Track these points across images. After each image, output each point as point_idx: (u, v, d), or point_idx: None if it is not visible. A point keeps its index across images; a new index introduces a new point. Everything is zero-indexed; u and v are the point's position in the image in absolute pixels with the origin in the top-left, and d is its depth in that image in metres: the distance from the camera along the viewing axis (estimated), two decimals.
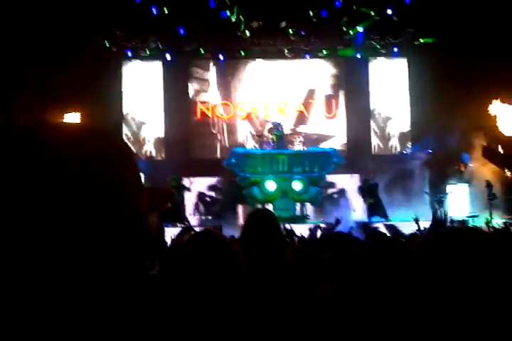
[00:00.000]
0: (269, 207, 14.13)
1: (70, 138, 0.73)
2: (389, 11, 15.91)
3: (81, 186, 0.70)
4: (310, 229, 7.48)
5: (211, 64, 17.24)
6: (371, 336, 2.42)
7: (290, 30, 16.35)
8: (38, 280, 0.67)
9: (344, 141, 17.24)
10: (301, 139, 16.01)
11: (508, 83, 14.00)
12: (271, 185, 13.98)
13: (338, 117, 17.36)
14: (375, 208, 14.04)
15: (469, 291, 1.09)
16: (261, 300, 2.38)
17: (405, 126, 17.40)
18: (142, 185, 0.79)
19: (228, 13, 15.74)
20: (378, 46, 17.10)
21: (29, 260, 0.67)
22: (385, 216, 13.90)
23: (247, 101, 17.11)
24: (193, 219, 14.98)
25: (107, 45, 15.77)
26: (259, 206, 14.05)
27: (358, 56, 17.14)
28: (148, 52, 16.66)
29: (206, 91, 17.18)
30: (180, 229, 9.19)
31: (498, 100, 14.63)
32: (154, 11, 15.52)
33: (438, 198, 14.41)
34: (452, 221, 12.11)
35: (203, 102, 17.11)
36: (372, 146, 17.29)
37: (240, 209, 15.31)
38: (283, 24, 16.28)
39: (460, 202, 14.80)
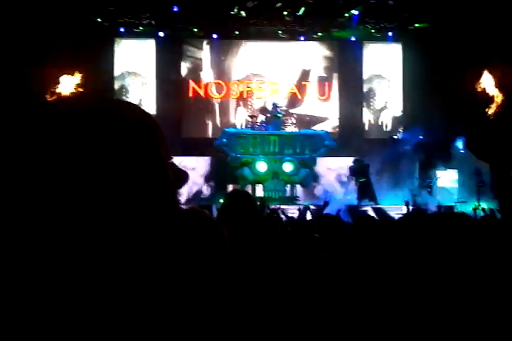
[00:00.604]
0: (260, 187, 14.21)
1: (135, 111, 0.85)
2: None
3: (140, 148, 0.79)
4: (299, 210, 7.55)
5: (205, 43, 17.11)
6: (355, 312, 2.47)
7: (285, 12, 16.23)
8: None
9: (336, 124, 17.27)
10: (293, 121, 16.03)
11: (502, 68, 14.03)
12: (262, 166, 14.02)
13: (330, 100, 17.36)
14: (365, 191, 14.10)
15: (450, 272, 1.12)
16: (245, 277, 2.43)
17: (398, 110, 17.44)
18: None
19: None
20: (373, 30, 17.03)
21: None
22: (374, 199, 13.98)
23: (240, 81, 17.04)
24: (182, 199, 15.02)
25: (99, 20, 15.59)
26: (250, 186, 14.11)
27: (353, 39, 17.08)
28: (141, 29, 16.48)
29: (199, 70, 17.08)
30: None
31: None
32: None
33: (426, 183, 14.53)
34: (440, 206, 12.21)
35: (195, 81, 17.02)
36: (364, 130, 17.34)
37: (230, 189, 15.35)
38: (278, 4, 16.14)
39: (448, 188, 14.92)
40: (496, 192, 13.34)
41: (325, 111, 17.26)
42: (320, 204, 8.11)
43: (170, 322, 0.74)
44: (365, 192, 14.10)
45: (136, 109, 0.86)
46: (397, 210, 11.41)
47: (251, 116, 15.76)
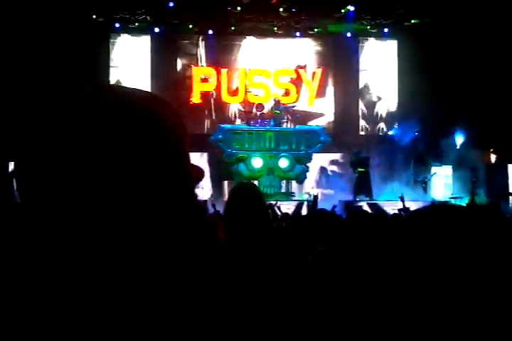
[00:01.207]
0: (255, 183, 14.21)
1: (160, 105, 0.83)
2: None
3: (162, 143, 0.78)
4: (296, 206, 7.59)
5: (200, 39, 17.08)
6: (349, 306, 2.49)
7: (281, 8, 16.21)
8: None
9: (331, 119, 17.28)
10: (289, 116, 16.02)
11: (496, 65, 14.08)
12: (257, 162, 14.03)
13: (326, 96, 17.35)
14: (361, 185, 14.13)
15: (450, 265, 1.12)
16: (242, 272, 2.44)
17: (393, 106, 17.46)
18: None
19: None
20: (369, 27, 17.04)
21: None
22: (369, 194, 14.02)
23: (236, 77, 17.00)
24: None
25: (94, 16, 15.53)
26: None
27: (349, 35, 17.07)
28: (136, 25, 16.42)
29: (194, 65, 17.02)
30: None
31: None
32: None
33: (422, 179, 14.58)
34: (434, 202, 12.25)
35: (190, 77, 16.97)
36: (360, 126, 17.36)
37: (226, 185, 15.35)
38: (274, 0, 16.12)
39: (444, 184, 14.98)
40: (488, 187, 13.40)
41: (320, 107, 17.25)
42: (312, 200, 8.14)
43: (167, 320, 0.75)
44: (362, 186, 14.12)
45: (160, 103, 0.83)
46: (392, 206, 11.44)
47: (246, 112, 15.73)
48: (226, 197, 13.30)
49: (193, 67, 16.84)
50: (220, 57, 17.04)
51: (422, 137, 15.69)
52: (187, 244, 0.78)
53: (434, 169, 15.39)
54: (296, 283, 2.77)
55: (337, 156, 16.56)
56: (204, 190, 15.87)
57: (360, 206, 12.11)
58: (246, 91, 16.63)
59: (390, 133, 16.76)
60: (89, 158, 0.71)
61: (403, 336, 1.15)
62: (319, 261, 3.15)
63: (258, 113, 15.11)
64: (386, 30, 17.06)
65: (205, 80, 16.79)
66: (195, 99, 16.73)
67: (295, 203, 12.44)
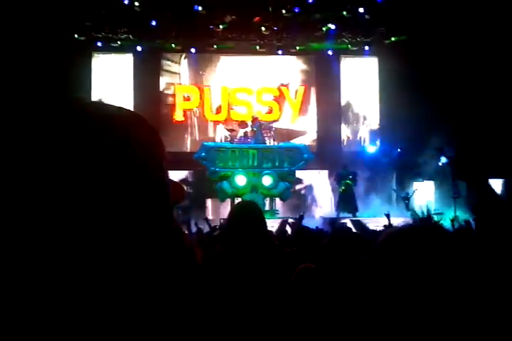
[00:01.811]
0: (238, 201, 14.17)
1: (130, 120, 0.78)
2: (361, 10, 16.04)
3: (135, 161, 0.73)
4: (280, 224, 7.57)
5: (183, 57, 17.16)
6: (334, 322, 2.48)
7: (263, 27, 16.37)
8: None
9: (314, 137, 17.37)
10: (272, 134, 16.07)
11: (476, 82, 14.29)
12: (241, 180, 14.00)
13: (308, 113, 17.47)
14: (345, 201, 14.19)
15: (422, 284, 1.14)
16: (234, 289, 2.43)
17: (375, 123, 17.61)
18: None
19: (200, 8, 15.67)
20: (350, 45, 17.25)
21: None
22: (352, 210, 14.07)
23: (218, 95, 17.06)
24: None
25: (76, 36, 15.54)
26: (229, 200, 14.08)
27: (330, 52, 17.26)
28: (118, 43, 16.45)
29: (177, 84, 17.07)
30: None
31: None
32: (126, 1, 15.36)
33: (405, 195, 14.66)
34: (415, 218, 12.27)
35: (173, 95, 17.01)
36: (342, 143, 17.46)
37: (209, 203, 15.32)
38: (256, 19, 16.29)
39: (426, 199, 15.07)
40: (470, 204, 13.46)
41: (303, 124, 17.35)
42: (296, 218, 8.11)
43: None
44: (345, 202, 14.17)
45: (137, 120, 0.79)
46: (376, 222, 11.45)
47: (229, 130, 15.78)
48: (209, 215, 13.22)
49: (176, 86, 16.90)
50: (202, 75, 17.12)
51: (403, 153, 15.81)
52: (163, 267, 0.75)
53: (415, 185, 15.49)
54: (280, 301, 2.76)
55: (320, 173, 16.63)
56: (187, 208, 15.82)
57: (344, 223, 12.12)
58: (229, 109, 16.70)
59: (372, 150, 16.86)
60: (53, 173, 0.68)
61: None
62: (301, 279, 3.14)
63: (241, 130, 15.15)
64: (367, 48, 17.28)
65: (187, 99, 16.84)
66: (178, 117, 16.75)
67: (279, 221, 12.40)
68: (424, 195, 15.05)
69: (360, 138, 17.56)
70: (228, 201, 14.19)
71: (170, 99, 17.00)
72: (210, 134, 16.89)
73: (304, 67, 17.63)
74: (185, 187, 16.15)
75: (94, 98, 16.44)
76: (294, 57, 17.51)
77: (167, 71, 17.14)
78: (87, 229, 0.69)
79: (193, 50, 16.78)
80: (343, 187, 14.23)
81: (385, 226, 8.55)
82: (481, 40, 14.65)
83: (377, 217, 12.34)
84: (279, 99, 17.09)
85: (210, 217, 14.38)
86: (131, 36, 16.32)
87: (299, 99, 17.19)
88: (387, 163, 15.99)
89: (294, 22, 16.21)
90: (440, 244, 1.23)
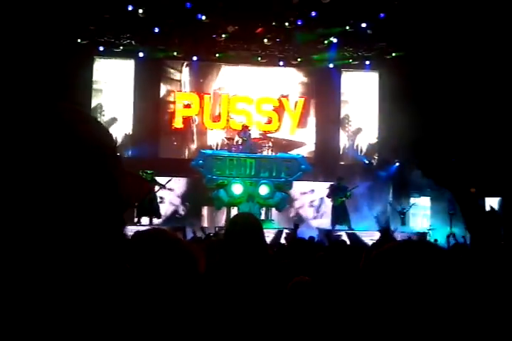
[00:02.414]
0: (234, 210, 14.16)
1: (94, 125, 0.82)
2: (363, 25, 16.14)
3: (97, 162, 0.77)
4: (276, 234, 7.59)
5: (184, 65, 17.20)
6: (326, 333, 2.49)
7: (265, 39, 16.47)
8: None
9: (312, 149, 17.40)
10: (270, 144, 16.09)
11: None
12: (237, 188, 14.00)
13: (308, 125, 17.50)
14: (339, 214, 14.19)
15: (414, 300, 1.15)
16: (230, 299, 2.43)
17: (373, 137, 17.64)
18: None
19: (204, 17, 15.75)
20: (351, 59, 17.33)
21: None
22: (347, 223, 14.08)
23: (218, 103, 17.10)
24: (157, 220, 14.86)
25: (79, 40, 15.58)
26: (225, 209, 14.07)
27: (331, 65, 17.33)
28: (120, 48, 16.47)
29: (177, 91, 17.10)
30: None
31: None
32: (130, 7, 15.43)
33: (400, 210, 14.68)
34: (411, 233, 12.31)
35: (173, 102, 17.04)
36: (340, 155, 17.48)
37: (205, 210, 15.31)
38: (259, 30, 16.38)
39: (422, 215, 15.10)
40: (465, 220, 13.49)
41: (302, 136, 17.39)
42: (292, 228, 8.13)
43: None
44: (340, 215, 14.18)
45: (91, 121, 0.82)
46: (370, 236, 11.46)
47: (228, 138, 15.80)
48: (204, 223, 13.18)
49: (176, 93, 16.94)
50: (203, 83, 17.17)
51: (401, 168, 15.86)
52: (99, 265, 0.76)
53: (412, 200, 15.52)
54: (275, 313, 2.76)
55: (317, 185, 16.65)
56: (183, 216, 15.82)
57: (340, 235, 12.12)
58: (228, 118, 16.73)
59: (370, 163, 16.87)
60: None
61: None
62: (296, 292, 3.14)
63: (239, 139, 15.10)
64: (368, 62, 17.36)
65: (187, 106, 16.88)
66: (177, 123, 16.78)
67: (274, 231, 12.41)
68: (421, 210, 15.07)
69: (358, 150, 17.56)
70: (224, 209, 14.20)
71: (170, 106, 17.02)
72: (209, 142, 16.87)
73: (305, 79, 17.69)
74: (182, 194, 16.14)
75: (93, 102, 16.44)
76: (294, 69, 17.57)
77: (168, 78, 17.18)
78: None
79: (194, 58, 16.83)
80: (338, 203, 14.24)
81: (378, 240, 8.56)
82: (479, 56, 14.74)
83: (371, 230, 12.35)
84: (279, 109, 17.14)
85: (205, 225, 14.39)
86: (133, 42, 16.37)
87: (299, 110, 17.24)
88: (385, 176, 16.04)
89: (297, 34, 16.29)
90: (430, 261, 1.24)
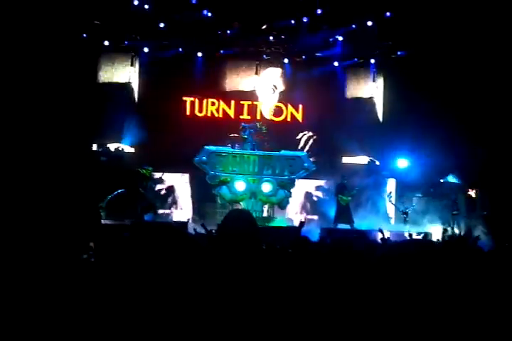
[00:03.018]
0: (237, 207, 14.15)
1: None
2: (369, 23, 16.12)
3: None
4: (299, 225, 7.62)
5: (189, 61, 17.12)
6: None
7: (271, 36, 16.47)
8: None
9: (316, 146, 17.34)
10: (266, 138, 15.99)
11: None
12: (240, 185, 13.97)
13: (311, 123, 17.44)
14: (342, 212, 14.21)
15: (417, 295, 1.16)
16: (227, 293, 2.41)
17: (377, 136, 17.54)
18: None
19: (209, 14, 15.76)
20: (356, 57, 17.29)
21: None
22: (350, 222, 14.08)
23: (222, 100, 17.08)
24: (160, 215, 14.86)
25: (84, 35, 15.57)
26: (227, 205, 14.05)
27: (336, 64, 17.27)
28: (126, 44, 16.46)
29: (183, 87, 17.02)
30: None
31: None
32: (136, 2, 15.43)
33: (403, 209, 14.65)
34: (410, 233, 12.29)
35: (178, 98, 16.99)
36: (343, 154, 17.38)
37: (207, 207, 15.28)
38: (264, 27, 16.37)
39: (424, 214, 15.05)
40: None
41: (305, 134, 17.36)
42: (295, 226, 8.12)
43: None
44: (343, 213, 14.18)
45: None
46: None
47: (231, 135, 15.73)
48: (205, 219, 13.16)
49: (184, 98, 16.91)
50: (207, 80, 17.09)
51: (405, 168, 15.85)
52: None
53: (414, 200, 15.49)
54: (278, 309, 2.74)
55: (321, 183, 16.64)
56: (184, 211, 15.80)
57: (345, 235, 12.11)
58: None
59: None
60: None
61: None
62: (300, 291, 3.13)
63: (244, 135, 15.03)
64: (373, 60, 17.32)
65: (192, 104, 16.94)
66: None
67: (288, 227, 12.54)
68: (423, 210, 15.03)
69: (362, 150, 17.46)
70: (227, 206, 14.18)
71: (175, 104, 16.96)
72: (212, 137, 16.76)
73: (310, 76, 17.60)
74: (185, 190, 16.14)
75: (100, 97, 16.35)
76: (299, 67, 17.49)
77: (173, 74, 17.02)
78: None
79: (199, 54, 16.80)
80: (344, 199, 14.24)
81: (381, 239, 8.61)
82: (485, 55, 14.71)
83: (374, 229, 12.33)
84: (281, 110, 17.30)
85: (207, 221, 14.38)
86: (138, 37, 16.35)
87: (301, 114, 17.37)
88: (388, 176, 16.02)
89: (302, 32, 16.27)
90: (430, 260, 1.27)
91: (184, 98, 16.93)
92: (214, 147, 14.36)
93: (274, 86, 17.37)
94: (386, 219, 15.47)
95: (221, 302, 2.20)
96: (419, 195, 15.50)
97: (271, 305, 2.51)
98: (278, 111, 17.18)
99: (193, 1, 15.70)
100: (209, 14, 15.87)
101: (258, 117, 16.89)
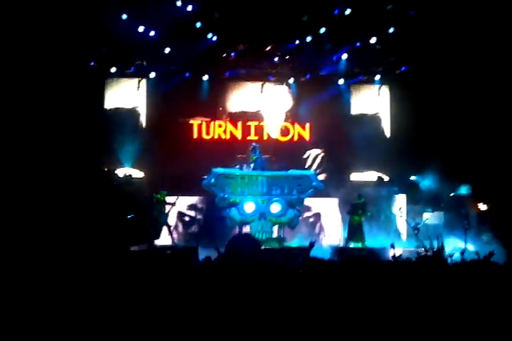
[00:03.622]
0: (247, 228, 14.12)
1: None
2: (373, 40, 16.20)
3: None
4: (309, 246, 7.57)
5: (196, 84, 17.25)
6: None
7: (276, 57, 16.59)
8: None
9: (325, 165, 17.32)
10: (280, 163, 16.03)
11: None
12: (249, 207, 13.97)
13: (319, 141, 17.45)
14: (355, 231, 14.09)
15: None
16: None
17: (385, 153, 17.49)
18: None
19: (215, 37, 15.93)
20: (361, 74, 17.36)
21: None
22: (362, 240, 13.96)
23: (229, 121, 17.16)
24: (170, 239, 14.81)
25: (91, 63, 15.76)
26: (237, 227, 14.03)
27: (341, 81, 17.34)
28: (132, 70, 16.64)
29: (189, 110, 17.13)
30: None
31: None
32: (141, 28, 15.62)
33: (414, 225, 14.53)
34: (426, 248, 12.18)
35: (185, 122, 17.08)
36: (351, 171, 17.34)
37: (218, 230, 15.23)
38: (268, 48, 16.51)
39: (435, 230, 14.93)
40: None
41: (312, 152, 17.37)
42: (306, 246, 8.07)
43: None
44: (354, 232, 14.07)
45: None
46: (384, 252, 11.38)
47: (239, 156, 15.76)
48: (217, 243, 13.14)
49: (191, 120, 17.01)
50: (214, 102, 17.19)
51: (415, 183, 15.80)
52: None
53: (425, 215, 15.38)
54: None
55: (331, 201, 16.57)
56: (195, 235, 15.79)
57: (355, 253, 12.04)
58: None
59: (382, 179, 16.73)
60: None
61: None
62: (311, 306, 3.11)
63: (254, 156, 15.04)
64: (378, 77, 17.37)
65: (199, 127, 17.03)
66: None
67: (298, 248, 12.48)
68: (434, 225, 14.92)
69: (370, 167, 17.41)
70: (236, 228, 14.16)
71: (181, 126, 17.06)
72: (220, 159, 16.79)
73: (315, 95, 17.66)
74: (194, 213, 16.16)
75: (107, 122, 16.48)
76: (305, 86, 17.56)
77: (180, 97, 17.11)
78: None
79: (205, 78, 16.94)
80: (356, 219, 14.12)
81: (393, 257, 8.55)
82: (489, 70, 14.74)
83: (385, 246, 12.24)
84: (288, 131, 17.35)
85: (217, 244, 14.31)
86: (144, 63, 16.53)
87: (308, 133, 17.40)
88: (397, 191, 15.96)
89: (306, 51, 16.38)
90: (440, 278, 1.29)
91: (191, 121, 17.05)
92: (222, 169, 14.39)
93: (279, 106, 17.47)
94: (397, 235, 15.36)
95: (225, 324, 2.21)
96: (430, 210, 15.40)
97: (275, 324, 2.51)
98: (285, 131, 17.24)
99: (198, 26, 15.88)
100: (214, 38, 16.06)
101: (265, 137, 16.95)
